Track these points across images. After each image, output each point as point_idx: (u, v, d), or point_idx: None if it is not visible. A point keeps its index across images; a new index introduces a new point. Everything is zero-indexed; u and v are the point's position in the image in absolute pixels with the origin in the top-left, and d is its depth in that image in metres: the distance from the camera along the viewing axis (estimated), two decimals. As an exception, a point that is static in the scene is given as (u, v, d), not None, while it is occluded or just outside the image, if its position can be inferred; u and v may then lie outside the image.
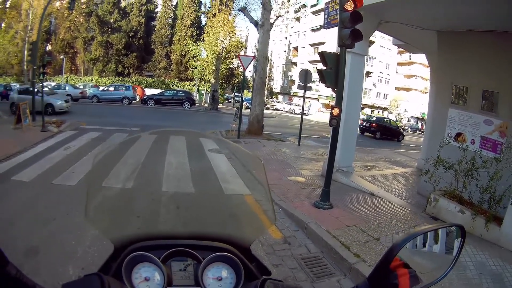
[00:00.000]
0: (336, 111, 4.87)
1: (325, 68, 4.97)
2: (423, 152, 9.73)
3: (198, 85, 35.21)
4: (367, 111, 45.05)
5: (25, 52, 27.25)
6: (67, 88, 26.10)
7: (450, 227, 0.93)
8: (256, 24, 13.54)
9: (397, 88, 50.50)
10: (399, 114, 48.72)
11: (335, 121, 4.93)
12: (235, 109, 15.67)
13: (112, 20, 39.82)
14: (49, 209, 4.69)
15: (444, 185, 5.11)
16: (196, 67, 32.31)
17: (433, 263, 0.92)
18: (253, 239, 1.08)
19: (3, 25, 31.81)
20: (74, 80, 37.33)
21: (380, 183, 7.06)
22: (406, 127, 39.56)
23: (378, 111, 48.85)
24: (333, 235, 4.02)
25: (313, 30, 46.89)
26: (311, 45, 48.02)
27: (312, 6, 46.77)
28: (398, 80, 50.48)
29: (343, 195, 5.87)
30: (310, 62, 45.14)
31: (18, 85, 28.18)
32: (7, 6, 32.41)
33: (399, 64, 50.16)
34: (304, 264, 3.51)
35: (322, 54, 4.98)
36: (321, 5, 41.23)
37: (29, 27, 29.21)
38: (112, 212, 1.12)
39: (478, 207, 4.65)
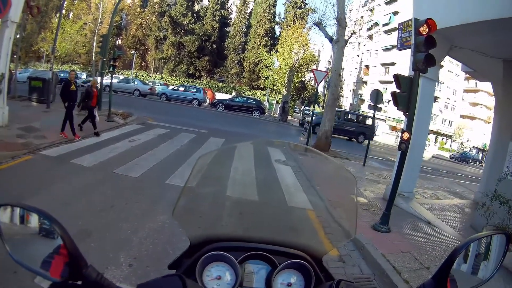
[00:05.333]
0: (406, 135, 4.77)
1: (398, 91, 4.87)
2: (481, 184, 9.06)
3: (269, 95, 34.64)
4: (431, 137, 42.32)
5: (94, 44, 27.20)
6: (136, 83, 26.18)
7: (497, 234, 0.96)
8: (331, 39, 13.06)
9: (462, 116, 46.93)
10: (462, 143, 45.31)
11: (404, 145, 4.80)
12: (305, 123, 15.25)
13: (185, 22, 40.18)
14: (107, 196, 4.64)
15: (497, 221, 4.78)
16: (268, 77, 32.17)
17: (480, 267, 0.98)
18: (327, 251, 1.09)
19: (71, 15, 31.62)
20: (143, 76, 37.61)
21: (437, 212, 6.82)
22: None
23: (442, 138, 46.02)
24: (387, 259, 4.00)
25: (385, 50, 45.36)
26: (382, 64, 46.41)
27: (384, 25, 45.08)
28: (463, 108, 46.80)
29: (401, 220, 5.77)
30: (381, 82, 43.66)
31: (84, 75, 28.68)
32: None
33: (466, 90, 46.50)
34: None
35: (396, 77, 4.87)
36: (393, 25, 40.16)
37: (99, 20, 29.16)
38: (194, 212, 1.16)
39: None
